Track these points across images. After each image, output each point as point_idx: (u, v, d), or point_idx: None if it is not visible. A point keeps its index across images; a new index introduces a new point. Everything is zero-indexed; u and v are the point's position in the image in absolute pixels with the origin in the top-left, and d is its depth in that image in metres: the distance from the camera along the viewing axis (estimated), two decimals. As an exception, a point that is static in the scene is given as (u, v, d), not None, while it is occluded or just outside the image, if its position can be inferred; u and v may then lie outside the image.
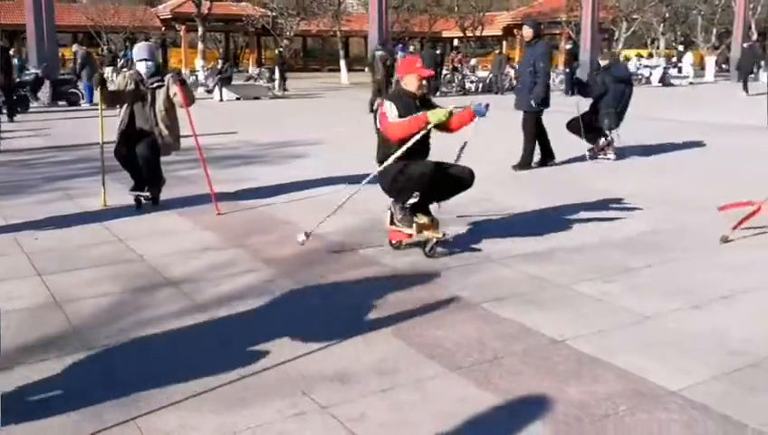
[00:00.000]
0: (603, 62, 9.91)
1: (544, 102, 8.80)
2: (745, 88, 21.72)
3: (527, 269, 4.68)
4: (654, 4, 35.03)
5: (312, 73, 40.24)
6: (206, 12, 27.36)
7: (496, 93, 23.06)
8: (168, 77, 6.46)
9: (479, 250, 5.12)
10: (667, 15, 38.68)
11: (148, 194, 6.55)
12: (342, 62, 31.14)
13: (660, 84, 27.39)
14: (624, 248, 5.19)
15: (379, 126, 4.93)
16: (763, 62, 27.07)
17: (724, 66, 34.82)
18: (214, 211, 6.30)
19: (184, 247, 5.22)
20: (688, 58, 31.42)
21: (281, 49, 25.95)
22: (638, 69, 30.79)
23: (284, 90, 24.26)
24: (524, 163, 8.77)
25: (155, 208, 6.51)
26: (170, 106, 6.42)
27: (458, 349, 3.41)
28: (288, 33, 27.68)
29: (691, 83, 29.04)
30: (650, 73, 28.49)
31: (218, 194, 6.57)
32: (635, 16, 34.67)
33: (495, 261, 4.87)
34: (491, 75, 24.40)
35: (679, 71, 30.89)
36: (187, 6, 33.90)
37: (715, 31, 36.33)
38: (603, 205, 6.61)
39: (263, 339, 3.51)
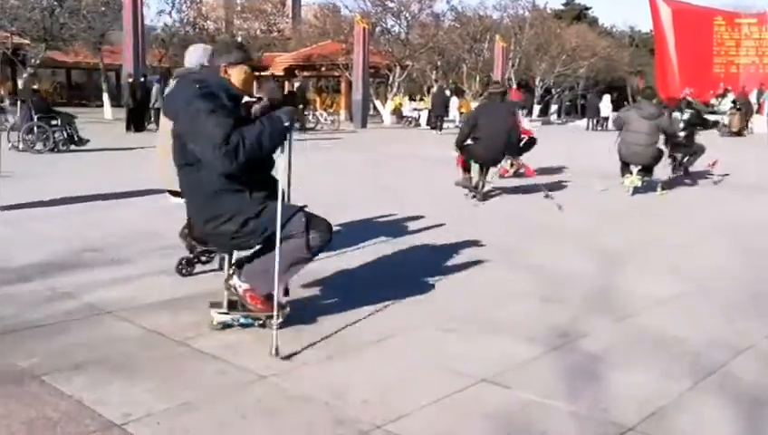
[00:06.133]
0: None
1: None
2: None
3: (152, 321, 3.70)
4: (424, 51, 36.67)
5: (78, 109, 36.86)
6: None
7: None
8: None
9: (96, 299, 4.06)
10: (439, 64, 40.80)
11: None
12: (105, 96, 28.71)
13: (428, 127, 28.39)
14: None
15: None
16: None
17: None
18: None
19: None
20: (454, 103, 33.16)
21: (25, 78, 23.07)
22: (410, 112, 32.00)
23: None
24: None
25: None
26: None
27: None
28: (33, 62, 24.80)
29: (457, 126, 30.51)
30: (419, 116, 29.55)
31: None
32: (407, 63, 36.00)
33: (112, 312, 3.84)
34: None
35: (447, 115, 32.44)
36: None
37: (478, 78, 38.85)
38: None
39: None
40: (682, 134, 10.34)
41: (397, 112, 33.01)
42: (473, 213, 7.78)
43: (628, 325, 3.97)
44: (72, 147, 13.74)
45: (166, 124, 4.60)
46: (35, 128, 13.47)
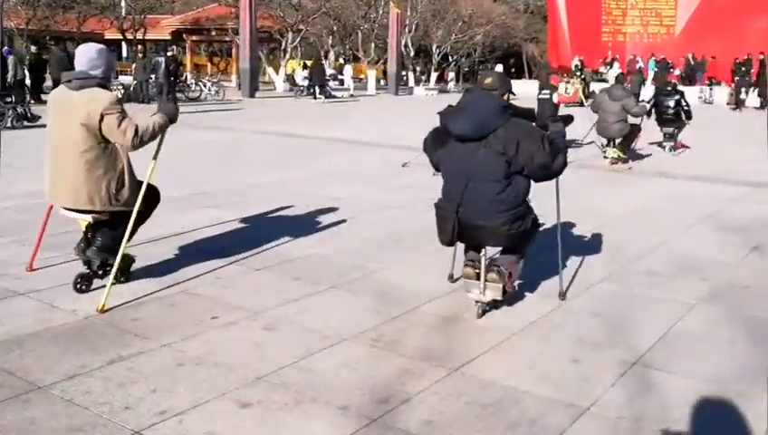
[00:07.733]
0: None
1: None
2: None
3: None
4: (317, 16, 35.43)
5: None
6: None
7: (141, 102, 20.79)
8: None
9: None
10: (335, 29, 39.63)
11: None
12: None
13: (322, 97, 27.46)
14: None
15: None
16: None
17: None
18: None
19: None
20: (348, 71, 32.32)
21: None
22: (302, 81, 30.83)
23: None
24: None
25: None
26: None
27: None
28: None
29: (352, 96, 29.72)
30: (310, 85, 28.45)
31: None
32: (300, 27, 34.69)
33: None
34: (135, 82, 22.00)
35: (341, 83, 31.59)
36: None
37: (373, 45, 38.03)
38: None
39: None
40: (672, 112, 12.22)
41: (290, 80, 31.83)
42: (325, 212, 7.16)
43: (464, 378, 3.45)
44: (25, 123, 13.85)
45: (53, 135, 4.22)
46: None
